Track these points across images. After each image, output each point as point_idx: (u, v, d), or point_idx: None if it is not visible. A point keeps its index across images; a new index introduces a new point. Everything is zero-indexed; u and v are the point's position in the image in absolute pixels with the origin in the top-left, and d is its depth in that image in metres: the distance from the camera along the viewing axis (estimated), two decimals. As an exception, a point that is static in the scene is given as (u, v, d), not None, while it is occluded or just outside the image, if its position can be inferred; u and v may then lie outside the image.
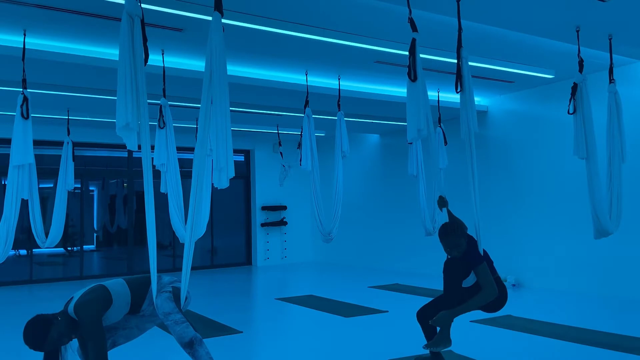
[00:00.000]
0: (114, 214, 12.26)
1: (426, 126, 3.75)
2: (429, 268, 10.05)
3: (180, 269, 3.17)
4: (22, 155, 4.81)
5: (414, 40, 3.80)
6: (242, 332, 5.82)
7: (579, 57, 5.05)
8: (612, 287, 7.25)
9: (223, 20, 3.21)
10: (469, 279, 3.85)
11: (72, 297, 3.41)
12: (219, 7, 3.17)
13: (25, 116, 4.85)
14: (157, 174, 5.79)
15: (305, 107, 6.53)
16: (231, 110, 8.44)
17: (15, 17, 4.88)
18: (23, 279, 10.40)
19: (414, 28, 3.84)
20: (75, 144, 7.44)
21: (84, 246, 11.43)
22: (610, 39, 5.37)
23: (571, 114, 5.01)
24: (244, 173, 13.12)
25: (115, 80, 3.02)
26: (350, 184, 11.70)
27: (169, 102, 5.86)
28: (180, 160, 5.75)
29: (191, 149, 3.91)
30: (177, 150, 5.73)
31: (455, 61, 3.93)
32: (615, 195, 5.10)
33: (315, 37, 5.48)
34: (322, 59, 6.44)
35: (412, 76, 3.76)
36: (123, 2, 3.08)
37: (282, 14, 4.98)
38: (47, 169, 9.59)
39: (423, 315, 4.09)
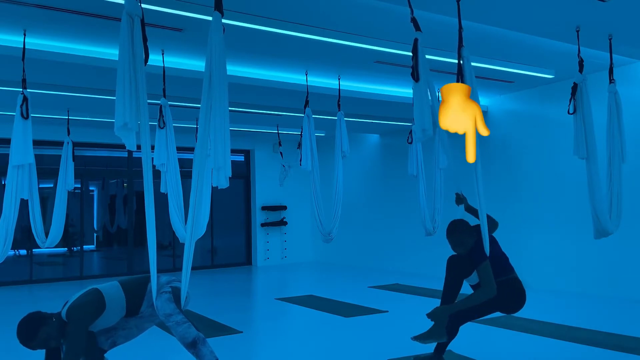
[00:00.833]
0: (114, 214, 12.26)
1: (431, 126, 3.74)
2: (429, 268, 10.05)
3: (180, 269, 3.16)
4: (22, 155, 4.81)
5: (416, 40, 3.78)
6: (242, 332, 5.82)
7: (579, 57, 5.05)
8: (612, 287, 7.25)
9: (223, 20, 3.20)
10: (473, 277, 3.85)
11: (67, 300, 3.40)
12: (219, 7, 3.16)
13: (25, 116, 4.84)
14: (157, 174, 5.79)
15: (305, 107, 6.52)
16: (231, 110, 8.45)
17: (15, 17, 4.88)
18: (23, 279, 10.40)
19: (416, 27, 3.81)
20: (75, 144, 7.44)
21: (84, 246, 11.43)
22: (610, 39, 5.36)
23: (571, 114, 5.01)
24: (244, 173, 13.12)
25: (116, 80, 3.02)
26: (350, 184, 11.69)
27: (169, 102, 5.85)
28: (180, 160, 5.75)
29: (191, 149, 3.91)
30: (177, 150, 5.73)
31: (456, 61, 3.92)
32: (615, 195, 5.10)
33: (315, 37, 5.48)
34: (322, 59, 6.44)
35: (416, 77, 3.76)
36: (123, 2, 3.07)
37: (282, 14, 4.98)
38: (47, 169, 9.58)
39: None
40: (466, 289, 4.01)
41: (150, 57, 5.56)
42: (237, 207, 13.12)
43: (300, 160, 6.43)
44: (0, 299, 8.59)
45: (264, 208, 12.86)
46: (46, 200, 9.86)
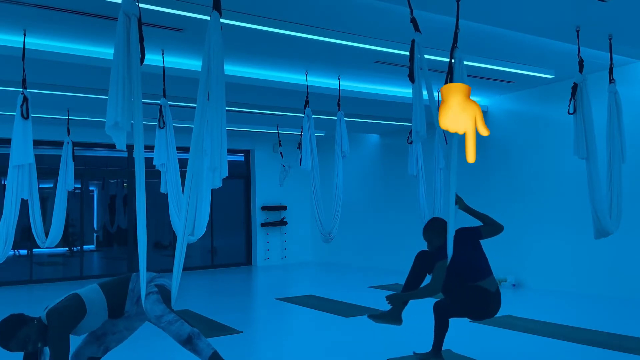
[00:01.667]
0: (114, 214, 12.26)
1: (424, 128, 3.76)
2: (429, 268, 10.04)
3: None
4: (22, 155, 4.81)
5: (413, 41, 3.78)
6: (242, 332, 5.82)
7: (579, 57, 5.04)
8: (612, 287, 7.25)
9: (223, 21, 3.20)
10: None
11: (48, 305, 3.38)
12: (217, 6, 3.16)
13: (25, 116, 4.84)
14: (157, 174, 5.80)
15: (305, 107, 6.53)
16: (231, 110, 8.48)
17: (15, 17, 4.88)
18: (23, 279, 10.40)
19: (416, 28, 3.81)
20: (75, 144, 7.44)
21: (84, 246, 11.43)
22: (610, 39, 5.36)
23: (571, 114, 5.00)
24: (244, 173, 13.12)
25: (113, 80, 3.02)
26: (350, 184, 11.70)
27: (169, 102, 5.86)
28: (180, 160, 5.75)
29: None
30: (177, 150, 5.73)
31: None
32: (615, 195, 5.09)
33: (315, 37, 5.48)
34: (322, 59, 6.44)
35: (412, 78, 3.77)
36: (120, 1, 3.07)
37: (282, 14, 4.98)
38: (47, 169, 9.58)
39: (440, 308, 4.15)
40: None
41: (150, 57, 5.57)
42: (237, 207, 13.12)
43: (300, 160, 6.43)
44: (0, 299, 8.59)
45: (264, 208, 12.86)
46: (46, 200, 9.86)
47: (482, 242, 4.15)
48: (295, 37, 5.45)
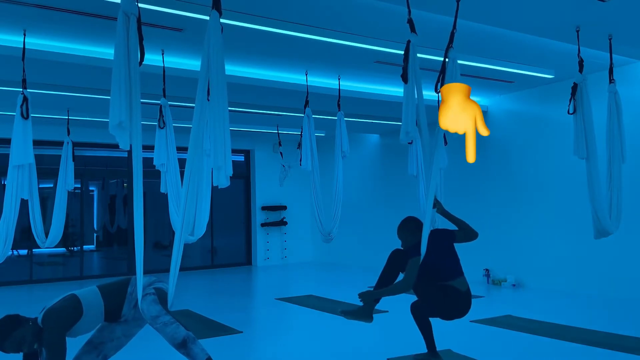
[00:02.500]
0: (114, 214, 12.26)
1: (415, 128, 3.77)
2: (429, 268, 10.04)
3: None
4: (22, 155, 4.81)
5: (409, 42, 3.79)
6: (242, 332, 5.82)
7: (579, 57, 5.04)
8: (612, 287, 7.25)
9: (223, 20, 3.20)
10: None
11: (45, 306, 3.36)
12: (217, 6, 3.16)
13: (25, 116, 4.84)
14: (157, 174, 5.80)
15: (305, 107, 6.53)
16: (231, 110, 8.45)
17: (15, 17, 4.88)
18: (23, 279, 10.40)
19: (412, 29, 3.83)
20: (75, 144, 7.44)
21: (84, 246, 11.43)
22: (610, 39, 5.36)
23: (571, 114, 5.00)
24: (244, 173, 13.12)
25: (114, 80, 3.01)
26: (350, 184, 11.69)
27: (169, 102, 5.86)
28: (180, 160, 5.75)
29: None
30: (177, 150, 5.74)
31: (458, 62, 3.92)
32: (615, 195, 5.09)
33: (315, 37, 5.48)
34: (322, 59, 6.44)
35: (405, 78, 3.79)
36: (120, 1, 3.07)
37: (282, 14, 4.98)
38: (47, 169, 9.58)
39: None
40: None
41: (150, 57, 5.57)
42: (237, 207, 13.12)
43: (300, 160, 6.43)
44: (0, 299, 8.59)
45: (264, 208, 12.86)
46: (46, 200, 9.86)
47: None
48: (295, 37, 5.45)
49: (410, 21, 3.82)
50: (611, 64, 5.33)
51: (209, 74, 3.07)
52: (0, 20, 4.98)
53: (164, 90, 5.76)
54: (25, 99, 4.86)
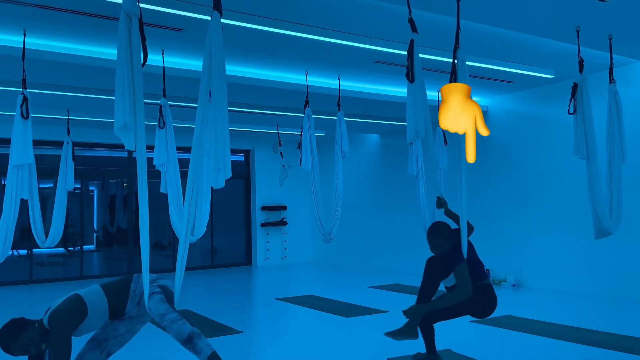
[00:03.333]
0: (114, 214, 12.26)
1: (424, 127, 3.76)
2: (429, 268, 10.04)
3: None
4: (22, 155, 4.81)
5: (412, 41, 3.79)
6: (242, 332, 5.82)
7: (579, 57, 5.04)
8: (612, 287, 7.25)
9: (224, 21, 3.20)
10: (449, 279, 3.94)
11: (50, 307, 3.38)
12: (217, 6, 3.16)
13: (25, 116, 4.84)
14: (157, 174, 5.80)
15: (305, 107, 6.52)
16: (231, 110, 8.46)
17: (15, 17, 4.88)
18: (23, 279, 10.40)
19: (413, 29, 3.82)
20: (75, 144, 7.44)
21: (84, 246, 11.43)
22: (610, 39, 5.36)
23: (571, 114, 5.01)
24: (244, 173, 13.12)
25: (115, 80, 3.01)
26: (350, 184, 11.69)
27: (169, 102, 5.86)
28: (180, 160, 5.76)
29: (191, 149, 3.90)
30: (177, 150, 5.73)
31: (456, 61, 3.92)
32: (615, 195, 5.10)
33: (315, 37, 5.47)
34: (322, 59, 6.44)
35: (410, 77, 3.77)
36: (121, 1, 3.07)
37: (282, 14, 4.98)
38: (47, 169, 9.58)
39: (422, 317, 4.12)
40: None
41: (150, 57, 5.57)
42: (237, 207, 13.12)
43: (300, 160, 6.43)
44: (0, 299, 8.59)
45: (264, 208, 12.86)
46: (46, 200, 9.86)
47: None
48: (295, 37, 5.45)
49: (411, 20, 3.81)
50: (611, 64, 5.33)
51: (210, 75, 3.08)
52: (0, 20, 4.98)
53: (164, 90, 5.76)
54: (25, 99, 4.86)
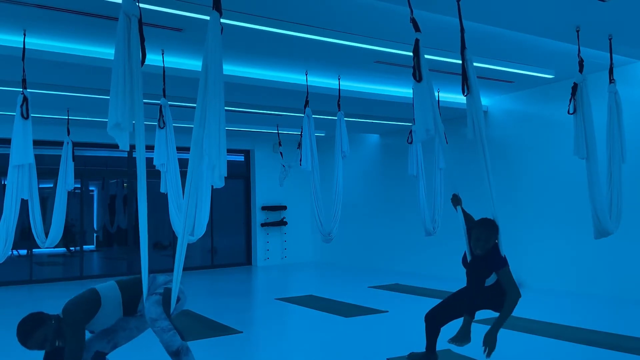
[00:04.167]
0: (114, 214, 12.26)
1: (434, 126, 3.75)
2: (429, 268, 10.05)
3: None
4: (22, 155, 4.81)
5: (417, 40, 3.78)
6: (242, 332, 5.82)
7: (579, 57, 5.04)
8: (612, 287, 7.25)
9: (224, 21, 3.20)
10: (490, 279, 3.90)
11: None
12: (217, 6, 3.16)
13: (25, 116, 4.84)
14: (157, 174, 5.80)
15: (305, 107, 6.52)
16: (231, 110, 8.48)
17: (15, 17, 4.88)
18: (23, 279, 10.40)
19: (416, 28, 3.82)
20: (75, 144, 7.44)
21: (84, 246, 11.43)
22: (610, 39, 5.36)
23: (571, 114, 5.00)
24: (244, 173, 13.12)
25: (114, 80, 3.02)
26: (350, 184, 11.69)
27: (169, 102, 5.86)
28: (180, 160, 5.76)
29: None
30: (177, 150, 5.73)
31: (455, 61, 3.93)
32: (615, 195, 5.10)
33: (315, 37, 5.47)
34: (322, 59, 6.44)
35: (417, 77, 3.76)
36: (121, 1, 3.07)
37: (282, 14, 4.98)
38: (47, 169, 9.58)
39: (432, 317, 4.14)
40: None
41: (150, 57, 5.56)
42: (237, 207, 13.12)
43: (300, 160, 6.43)
44: (0, 299, 8.59)
45: (264, 208, 12.86)
46: (46, 200, 9.86)
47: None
48: (295, 37, 5.45)
49: (413, 20, 3.81)
50: (611, 64, 5.33)
51: (207, 74, 3.08)
52: (0, 20, 4.98)
53: (163, 90, 5.76)
54: (25, 99, 4.86)
